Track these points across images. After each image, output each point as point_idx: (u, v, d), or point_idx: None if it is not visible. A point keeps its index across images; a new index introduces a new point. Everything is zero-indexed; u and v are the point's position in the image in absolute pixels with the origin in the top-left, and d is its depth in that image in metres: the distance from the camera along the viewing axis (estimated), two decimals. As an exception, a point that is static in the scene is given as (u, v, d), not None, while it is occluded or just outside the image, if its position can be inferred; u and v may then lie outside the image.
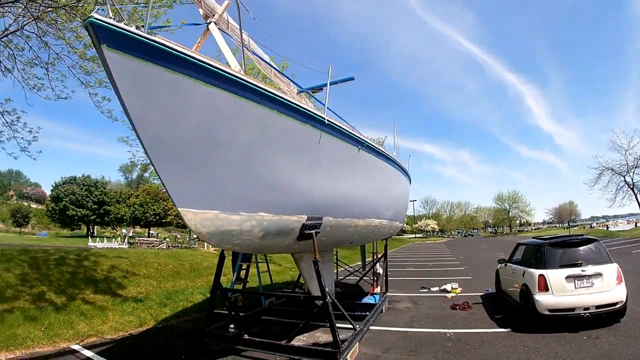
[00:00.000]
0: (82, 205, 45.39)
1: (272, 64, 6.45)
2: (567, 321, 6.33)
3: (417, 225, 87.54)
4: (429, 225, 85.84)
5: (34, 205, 72.79)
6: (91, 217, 47.01)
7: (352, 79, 6.70)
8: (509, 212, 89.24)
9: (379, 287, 11.82)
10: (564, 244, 6.76)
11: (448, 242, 56.23)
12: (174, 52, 3.17)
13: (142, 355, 6.12)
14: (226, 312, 8.91)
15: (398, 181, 7.81)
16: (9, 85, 10.11)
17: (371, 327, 7.35)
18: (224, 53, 4.54)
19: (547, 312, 6.18)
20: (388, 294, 11.43)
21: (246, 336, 5.69)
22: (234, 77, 3.64)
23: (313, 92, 7.30)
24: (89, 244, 29.20)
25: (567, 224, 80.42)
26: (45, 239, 40.45)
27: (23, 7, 7.64)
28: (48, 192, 56.06)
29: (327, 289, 5.26)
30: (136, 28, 3.05)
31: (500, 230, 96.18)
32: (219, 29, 5.04)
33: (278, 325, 7.25)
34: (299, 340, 6.51)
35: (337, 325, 7.10)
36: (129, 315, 8.24)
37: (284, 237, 4.98)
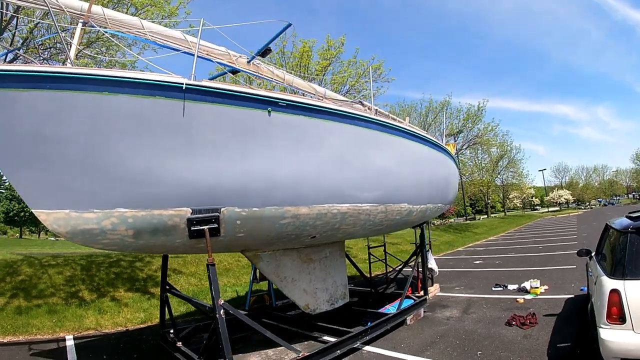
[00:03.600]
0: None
1: (187, 37, 5.19)
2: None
3: (548, 197, 74.72)
4: (561, 196, 71.88)
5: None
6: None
7: (289, 25, 5.10)
8: (651, 173, 70.15)
9: (436, 286, 9.65)
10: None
11: (582, 215, 46.20)
12: None
13: (110, 347, 6.40)
14: (245, 312, 8.39)
15: (388, 149, 5.52)
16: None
17: (366, 349, 5.65)
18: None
19: None
20: (443, 294, 9.26)
21: (179, 344, 5.29)
22: (40, 74, 3.35)
23: (263, 55, 5.81)
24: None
25: None
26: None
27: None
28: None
29: (218, 303, 4.05)
30: None
31: (645, 195, 76.84)
32: (95, 26, 4.65)
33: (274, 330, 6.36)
34: (255, 356, 5.66)
35: (327, 338, 5.84)
36: (141, 312, 8.41)
37: (168, 236, 4.05)
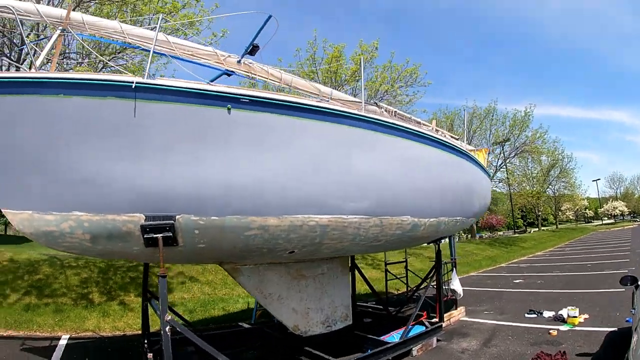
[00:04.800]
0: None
1: (168, 38, 5.01)
2: None
3: (602, 209, 68.75)
4: (616, 208, 65.62)
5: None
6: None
7: (269, 17, 4.65)
8: None
9: (461, 310, 8.62)
10: None
11: (637, 228, 42.79)
12: None
13: (98, 351, 6.47)
14: (248, 325, 8.03)
15: (384, 151, 4.76)
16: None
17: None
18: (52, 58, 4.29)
19: None
20: (468, 319, 8.24)
21: (149, 355, 4.97)
22: None
23: (252, 53, 5.41)
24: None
25: None
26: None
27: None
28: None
29: (164, 319, 3.76)
30: None
31: None
32: (75, 32, 4.67)
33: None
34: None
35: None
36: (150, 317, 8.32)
37: (124, 242, 3.82)
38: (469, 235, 35.43)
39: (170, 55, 5.17)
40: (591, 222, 75.89)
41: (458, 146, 6.63)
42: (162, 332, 3.70)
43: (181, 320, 6.49)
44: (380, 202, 4.83)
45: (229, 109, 3.69)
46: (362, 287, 9.41)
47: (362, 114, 4.60)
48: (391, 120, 5.06)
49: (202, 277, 11.72)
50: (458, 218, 6.83)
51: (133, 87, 3.46)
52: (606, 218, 70.10)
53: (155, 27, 4.49)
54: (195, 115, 3.64)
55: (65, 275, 9.97)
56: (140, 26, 9.20)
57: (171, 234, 3.70)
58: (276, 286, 5.29)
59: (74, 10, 9.10)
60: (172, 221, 3.68)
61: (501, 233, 45.46)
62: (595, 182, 71.54)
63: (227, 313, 9.36)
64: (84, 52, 11.97)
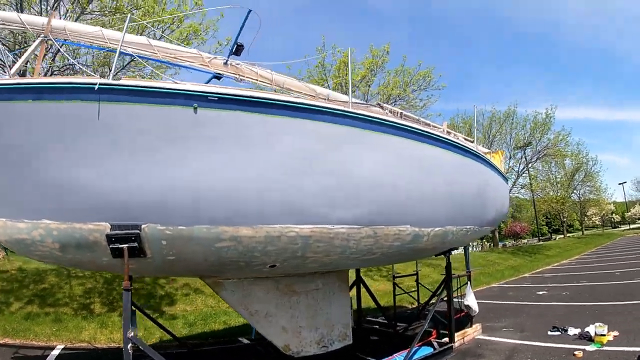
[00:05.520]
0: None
1: (151, 42, 4.83)
2: None
3: (629, 213, 66.04)
4: None
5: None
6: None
7: (250, 12, 4.38)
8: None
9: (477, 327, 7.95)
10: None
11: None
12: None
13: None
14: (247, 341, 7.67)
15: (378, 151, 4.34)
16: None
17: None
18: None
19: None
20: (484, 337, 7.62)
21: None
22: None
23: (237, 53, 5.13)
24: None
25: None
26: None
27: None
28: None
29: (127, 335, 3.62)
30: None
31: None
32: (56, 40, 4.66)
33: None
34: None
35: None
36: (142, 331, 8.04)
37: (92, 252, 3.63)
38: (492, 244, 34.11)
39: (153, 59, 4.98)
40: (618, 226, 72.43)
41: (469, 147, 6.06)
42: (123, 349, 3.44)
43: (169, 335, 6.17)
44: (375, 210, 4.37)
45: (195, 108, 3.39)
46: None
47: (347, 109, 4.17)
48: (384, 117, 4.61)
49: (207, 289, 11.38)
50: (469, 227, 6.25)
51: (96, 88, 3.26)
52: (633, 223, 66.67)
53: (156, 34, 4.28)
54: (160, 115, 3.38)
55: (70, 285, 9.95)
56: (141, 34, 9.18)
57: (137, 245, 3.45)
58: (263, 303, 4.93)
59: (75, 20, 9.21)
60: (138, 231, 3.42)
61: (525, 241, 43.71)
62: (621, 185, 68.31)
63: (228, 327, 9.05)
64: (93, 65, 12.14)
